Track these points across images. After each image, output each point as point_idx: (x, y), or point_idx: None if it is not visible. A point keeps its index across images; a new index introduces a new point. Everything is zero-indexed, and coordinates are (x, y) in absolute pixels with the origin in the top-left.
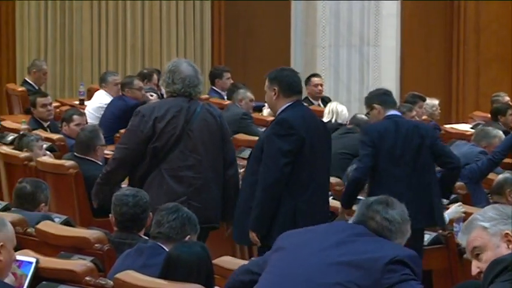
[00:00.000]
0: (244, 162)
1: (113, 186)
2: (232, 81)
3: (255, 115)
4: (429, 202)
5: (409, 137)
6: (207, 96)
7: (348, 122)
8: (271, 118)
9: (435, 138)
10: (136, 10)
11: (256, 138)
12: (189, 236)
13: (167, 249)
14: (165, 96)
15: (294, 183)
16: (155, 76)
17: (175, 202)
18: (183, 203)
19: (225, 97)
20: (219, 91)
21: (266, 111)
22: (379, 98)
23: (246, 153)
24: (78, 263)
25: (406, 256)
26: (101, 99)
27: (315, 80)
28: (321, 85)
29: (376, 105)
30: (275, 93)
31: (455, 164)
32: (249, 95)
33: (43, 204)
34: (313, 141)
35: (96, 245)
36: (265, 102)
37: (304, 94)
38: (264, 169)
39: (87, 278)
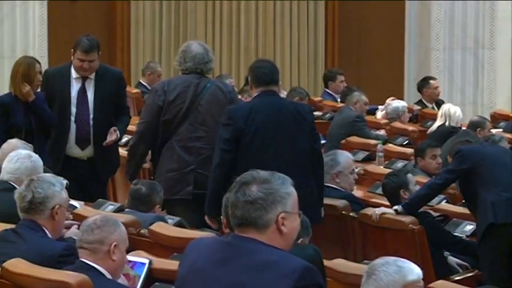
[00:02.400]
0: (358, 165)
1: (138, 160)
2: (345, 84)
3: (369, 118)
4: None
5: None
6: (320, 98)
7: (461, 124)
8: (385, 121)
9: None
10: (250, 12)
11: (370, 141)
12: (301, 239)
13: None
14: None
15: (239, 171)
16: None
17: (179, 171)
18: (192, 171)
19: (339, 100)
20: (333, 94)
21: (380, 114)
22: None
23: (360, 156)
24: None
25: (300, 278)
26: None
27: (435, 82)
28: (439, 87)
29: None
30: (250, 84)
31: None
32: (364, 98)
33: (158, 206)
34: (262, 132)
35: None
36: (379, 105)
37: (419, 97)
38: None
39: None
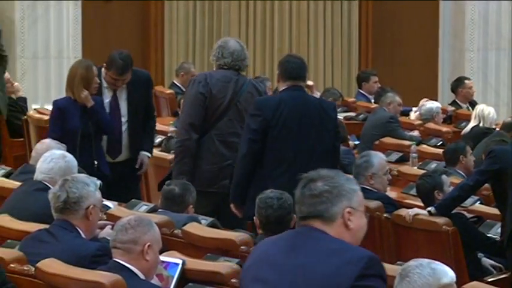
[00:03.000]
0: (392, 166)
1: (193, 152)
2: (379, 85)
3: (402, 119)
4: None
5: None
6: (353, 99)
7: (495, 126)
8: (419, 122)
9: None
10: (284, 12)
11: (404, 142)
12: None
13: None
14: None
15: (264, 161)
16: None
17: (217, 164)
18: (229, 166)
19: (372, 100)
20: (366, 94)
21: (414, 115)
22: None
23: (393, 156)
24: (224, 265)
25: (366, 266)
26: None
27: (469, 82)
28: (473, 87)
29: None
30: (278, 78)
31: None
32: (398, 99)
33: (191, 206)
34: (288, 124)
35: (242, 247)
36: (413, 106)
37: (453, 98)
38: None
39: (232, 280)
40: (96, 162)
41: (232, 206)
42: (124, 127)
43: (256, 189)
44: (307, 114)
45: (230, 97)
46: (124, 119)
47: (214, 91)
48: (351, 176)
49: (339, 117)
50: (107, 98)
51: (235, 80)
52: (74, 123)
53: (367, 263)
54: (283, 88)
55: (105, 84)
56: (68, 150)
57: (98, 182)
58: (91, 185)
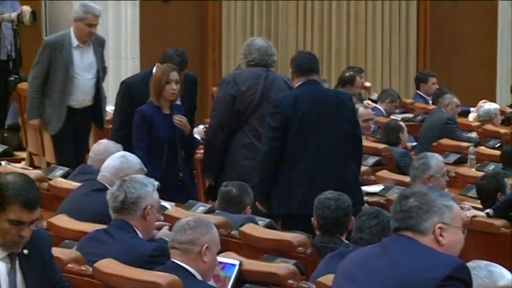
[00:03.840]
0: (449, 168)
1: (218, 151)
2: (437, 86)
3: (460, 120)
4: None
5: None
6: (411, 100)
7: None
8: (477, 123)
9: None
10: (342, 13)
11: (461, 143)
12: None
13: None
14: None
15: (286, 157)
16: (358, 79)
17: (254, 158)
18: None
19: (430, 102)
20: (424, 96)
21: (472, 116)
22: None
23: (451, 158)
24: (281, 266)
25: (457, 269)
26: None
27: None
28: None
29: None
30: (292, 76)
31: None
32: (456, 100)
33: (248, 207)
34: (307, 119)
35: (299, 249)
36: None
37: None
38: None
39: (289, 281)
40: (181, 174)
41: (257, 203)
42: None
43: (281, 185)
44: (325, 106)
45: (261, 93)
46: None
47: (244, 88)
48: (447, 192)
49: (396, 117)
50: None
51: (264, 76)
52: (161, 132)
53: (458, 267)
54: (299, 84)
55: None
56: (155, 160)
57: (156, 183)
58: (149, 186)
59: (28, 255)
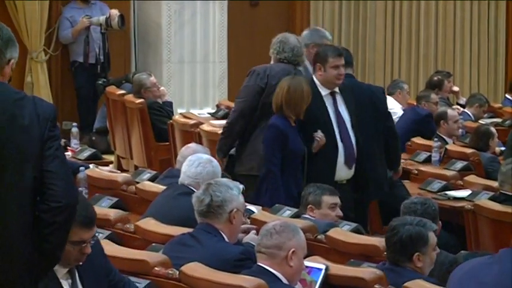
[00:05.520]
0: None
1: (235, 137)
2: None
3: None
4: None
5: None
6: (499, 105)
7: None
8: None
9: None
10: (430, 18)
11: None
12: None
13: None
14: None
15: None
16: (446, 83)
17: None
18: None
19: None
20: None
21: None
22: None
23: None
24: (368, 271)
25: None
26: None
27: None
28: None
29: None
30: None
31: None
32: None
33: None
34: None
35: (385, 253)
36: None
37: None
38: None
39: (376, 286)
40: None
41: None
42: (351, 134)
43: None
44: (360, 99)
45: None
46: (349, 126)
47: (274, 82)
48: None
49: (485, 121)
50: (330, 108)
51: (293, 73)
52: (296, 146)
53: None
54: None
55: (323, 91)
56: (286, 173)
57: (241, 186)
58: (234, 189)
59: (83, 266)
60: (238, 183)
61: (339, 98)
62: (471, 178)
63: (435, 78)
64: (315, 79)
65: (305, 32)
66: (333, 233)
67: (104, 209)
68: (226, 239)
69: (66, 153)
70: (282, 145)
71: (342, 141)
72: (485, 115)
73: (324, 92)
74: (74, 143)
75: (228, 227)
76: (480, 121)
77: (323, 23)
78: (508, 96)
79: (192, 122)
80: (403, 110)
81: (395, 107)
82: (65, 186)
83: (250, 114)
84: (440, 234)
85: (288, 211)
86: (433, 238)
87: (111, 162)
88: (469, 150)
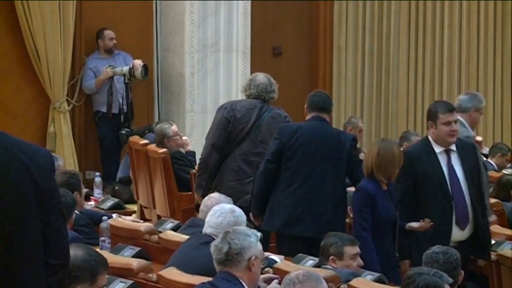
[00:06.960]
0: None
1: (212, 171)
2: None
3: None
4: None
5: None
6: None
7: None
8: None
9: None
10: (453, 72)
11: None
12: None
13: None
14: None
15: (279, 180)
16: None
17: (240, 180)
18: (250, 182)
19: None
20: None
21: None
22: None
23: None
24: None
25: None
26: None
27: None
28: None
29: None
30: (305, 111)
31: None
32: None
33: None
34: (302, 148)
35: None
36: None
37: None
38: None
39: None
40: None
41: (251, 215)
42: (465, 192)
43: (273, 203)
44: (323, 142)
45: (253, 121)
46: (462, 183)
47: (238, 115)
48: None
49: (508, 171)
50: (444, 167)
51: (259, 107)
52: (387, 211)
53: None
54: (308, 118)
55: (437, 149)
56: (377, 240)
57: (259, 234)
58: (252, 237)
59: None
60: (255, 230)
61: (454, 156)
62: (494, 228)
63: None
64: (429, 137)
65: (463, 96)
66: (356, 282)
67: (126, 258)
68: (246, 287)
69: (89, 203)
70: (371, 210)
71: (454, 202)
72: (508, 165)
73: (437, 149)
74: (97, 192)
75: (247, 274)
76: (504, 171)
77: (346, 76)
78: None
79: None
80: None
81: None
82: (66, 245)
83: (222, 147)
84: (464, 284)
85: (311, 261)
86: None
87: (134, 212)
88: (492, 200)
